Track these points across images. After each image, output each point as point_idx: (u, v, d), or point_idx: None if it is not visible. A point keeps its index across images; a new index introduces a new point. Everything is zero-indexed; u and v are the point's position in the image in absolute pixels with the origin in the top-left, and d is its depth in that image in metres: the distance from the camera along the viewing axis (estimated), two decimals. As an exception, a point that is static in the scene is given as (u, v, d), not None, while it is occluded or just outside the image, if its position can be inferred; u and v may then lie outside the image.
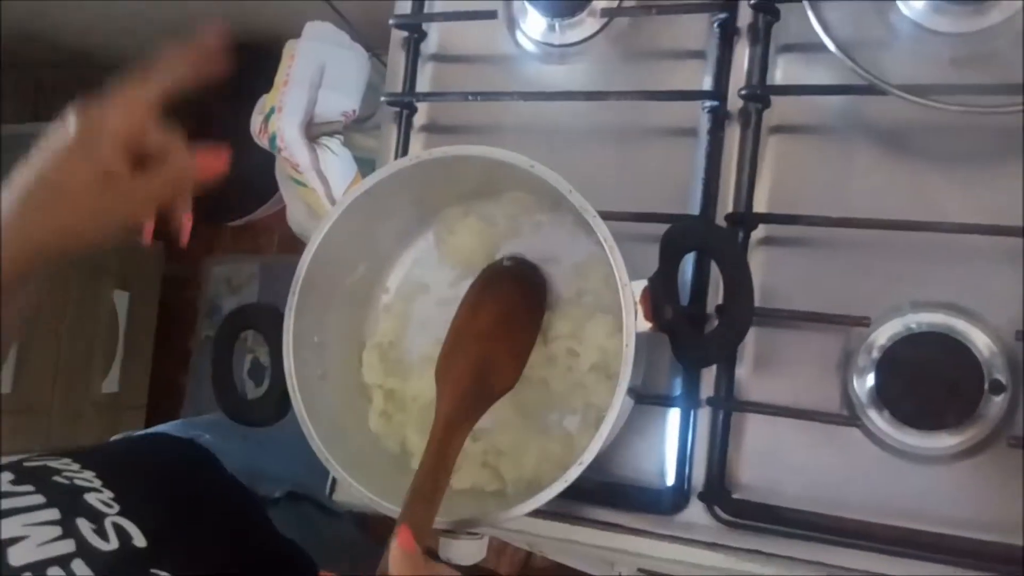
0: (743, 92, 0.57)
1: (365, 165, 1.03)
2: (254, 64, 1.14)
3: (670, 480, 0.55)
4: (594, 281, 0.55)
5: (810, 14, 0.53)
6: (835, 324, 0.53)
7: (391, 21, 0.68)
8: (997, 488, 0.49)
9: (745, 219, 0.56)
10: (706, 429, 0.55)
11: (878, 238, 0.54)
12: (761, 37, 0.58)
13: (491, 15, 0.64)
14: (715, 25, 0.59)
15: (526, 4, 0.64)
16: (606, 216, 0.58)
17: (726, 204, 0.58)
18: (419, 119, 0.69)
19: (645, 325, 0.48)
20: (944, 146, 0.55)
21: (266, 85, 1.09)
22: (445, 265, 0.61)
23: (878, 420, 0.51)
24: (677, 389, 0.56)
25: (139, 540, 0.49)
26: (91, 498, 0.50)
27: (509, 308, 0.54)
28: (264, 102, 1.05)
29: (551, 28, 0.64)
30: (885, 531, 0.49)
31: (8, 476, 0.49)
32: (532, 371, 0.55)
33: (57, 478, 0.51)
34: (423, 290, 0.61)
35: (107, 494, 0.51)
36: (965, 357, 0.50)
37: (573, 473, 0.46)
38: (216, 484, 0.66)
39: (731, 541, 0.53)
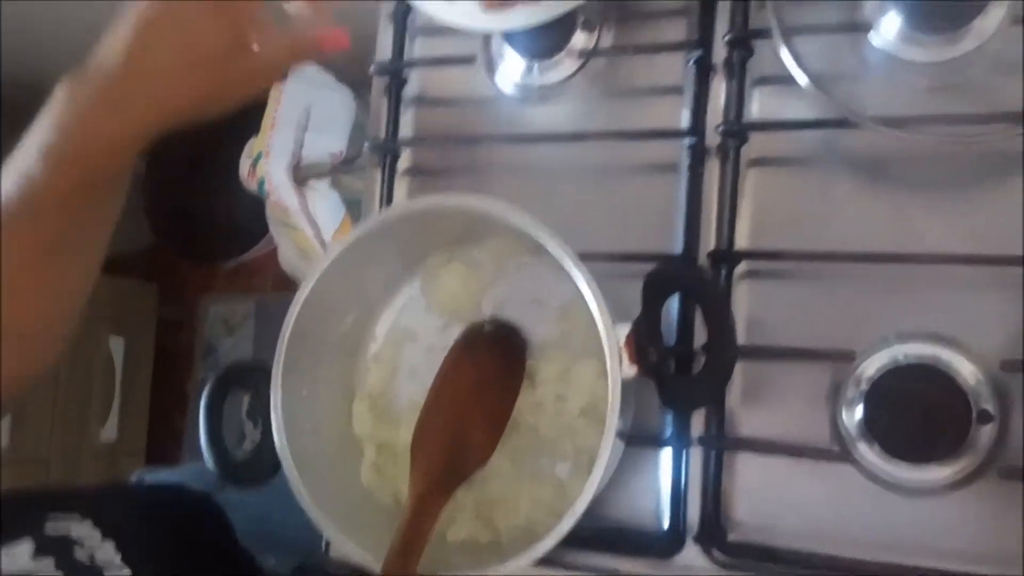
0: (720, 128, 0.57)
1: (354, 206, 1.04)
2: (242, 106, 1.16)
3: (665, 522, 0.54)
4: (579, 323, 0.55)
5: (782, 50, 0.53)
6: (821, 360, 0.53)
7: (371, 69, 0.68)
8: (990, 519, 0.48)
9: (727, 256, 0.56)
10: (699, 468, 0.54)
11: (861, 269, 0.54)
12: (736, 72, 0.58)
13: (470, 60, 0.65)
14: (690, 62, 0.60)
15: (504, 47, 0.64)
16: (589, 257, 0.58)
17: (708, 241, 0.58)
18: (403, 163, 0.69)
19: (631, 370, 0.48)
20: (923, 175, 0.55)
21: (254, 126, 1.10)
22: (432, 312, 0.61)
23: (868, 454, 0.50)
24: (668, 429, 0.56)
25: None
26: None
27: (486, 377, 0.54)
28: (252, 146, 1.06)
29: (530, 70, 0.65)
30: (880, 568, 0.49)
31: (28, 547, 0.48)
32: (521, 416, 0.55)
33: (78, 553, 0.50)
34: (411, 337, 0.61)
35: (126, 572, 0.50)
36: (952, 388, 0.50)
37: (567, 524, 0.45)
38: (225, 556, 0.65)
39: (729, 582, 0.53)
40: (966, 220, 0.53)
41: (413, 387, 0.59)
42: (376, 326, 0.62)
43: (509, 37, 0.63)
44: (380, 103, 0.69)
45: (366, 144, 0.67)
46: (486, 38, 0.65)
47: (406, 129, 0.70)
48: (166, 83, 0.46)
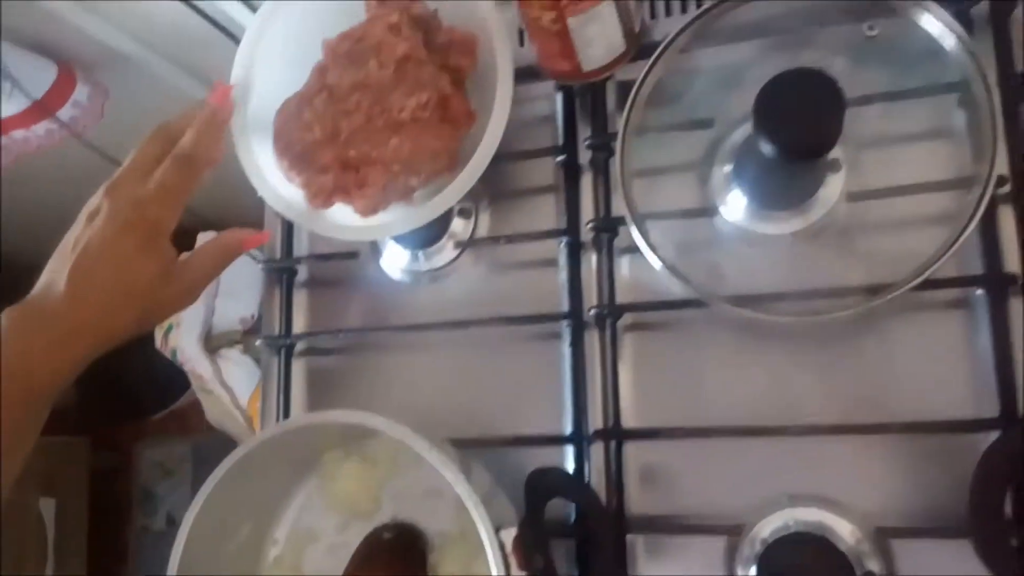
0: (593, 312, 0.59)
1: (268, 369, 1.03)
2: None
3: None
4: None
5: (635, 235, 0.56)
6: (711, 533, 0.54)
7: (260, 266, 0.70)
8: None
9: (614, 434, 0.58)
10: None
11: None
12: (605, 252, 0.61)
13: (355, 255, 0.66)
14: (562, 245, 0.62)
15: (387, 240, 0.66)
16: (482, 443, 0.60)
17: (596, 417, 0.59)
18: (300, 346, 0.70)
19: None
20: (792, 342, 0.57)
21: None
22: (331, 510, 0.61)
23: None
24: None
25: None
26: None
27: None
28: (163, 317, 1.06)
29: (415, 257, 0.67)
30: None
31: None
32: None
33: None
34: (312, 538, 0.61)
35: None
36: (836, 556, 0.51)
37: None
38: None
39: None
40: (836, 387, 0.55)
41: (317, 592, 0.58)
42: (276, 528, 0.62)
43: (389, 231, 0.65)
44: (272, 298, 0.70)
45: (257, 343, 0.67)
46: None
47: (299, 312, 0.71)
48: (101, 316, 0.49)
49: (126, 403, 1.60)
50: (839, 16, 0.56)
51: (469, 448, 0.58)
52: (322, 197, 0.57)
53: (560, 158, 0.63)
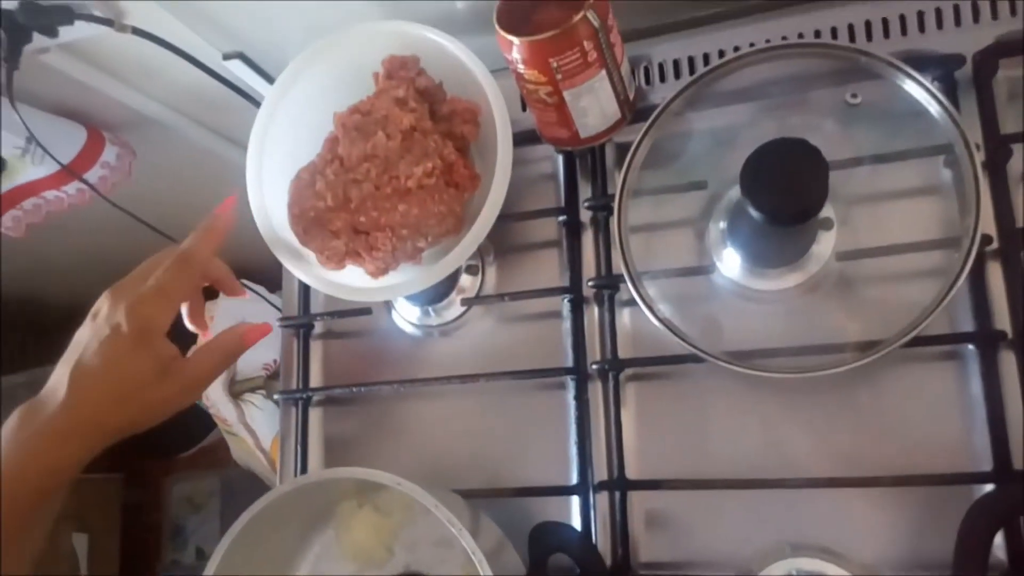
0: (594, 366, 0.62)
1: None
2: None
3: None
4: (483, 571, 0.58)
5: (634, 294, 0.58)
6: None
7: (278, 324, 0.73)
8: None
9: (618, 485, 0.60)
10: None
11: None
12: (606, 307, 0.63)
13: (368, 311, 0.69)
14: (565, 300, 0.64)
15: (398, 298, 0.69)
16: (490, 493, 0.61)
17: (601, 468, 0.61)
18: (316, 397, 0.73)
19: (522, 629, 0.50)
20: (789, 394, 0.59)
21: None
22: (346, 559, 0.63)
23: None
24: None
25: None
26: None
27: None
28: (189, 361, 1.09)
29: (426, 313, 0.69)
30: None
31: None
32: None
33: None
34: (328, 587, 0.63)
35: None
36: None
37: None
38: None
39: None
40: (832, 440, 0.57)
41: (332, 641, 0.61)
42: (294, 577, 0.64)
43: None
44: (290, 353, 0.73)
45: (275, 396, 0.70)
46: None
47: (315, 363, 0.73)
48: (98, 415, 0.50)
49: (156, 441, 1.63)
50: (826, 81, 0.58)
51: (477, 498, 0.61)
52: (335, 261, 0.60)
53: (562, 218, 0.65)
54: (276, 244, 0.62)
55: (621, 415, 0.61)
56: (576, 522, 0.61)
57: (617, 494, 0.60)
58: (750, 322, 0.59)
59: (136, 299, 0.52)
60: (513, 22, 0.55)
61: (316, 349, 0.74)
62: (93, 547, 1.80)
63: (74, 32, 0.69)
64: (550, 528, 0.54)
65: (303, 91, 0.65)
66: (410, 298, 0.68)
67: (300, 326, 0.73)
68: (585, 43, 0.54)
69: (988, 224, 0.55)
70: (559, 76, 0.55)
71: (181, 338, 0.56)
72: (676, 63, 0.65)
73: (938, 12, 0.59)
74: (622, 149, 0.63)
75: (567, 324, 0.65)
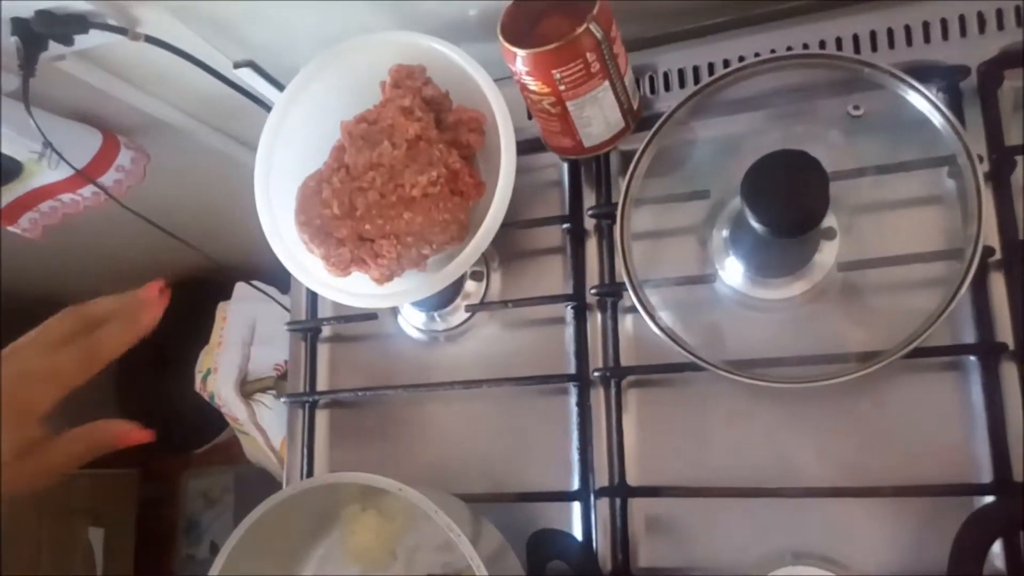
0: (596, 373, 0.62)
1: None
2: (207, 300, 1.21)
3: None
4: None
5: (636, 302, 0.58)
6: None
7: (285, 328, 0.74)
8: None
9: (619, 491, 0.60)
10: None
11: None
12: (609, 314, 0.64)
13: (373, 316, 0.70)
14: (568, 307, 0.65)
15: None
16: (492, 498, 0.62)
17: (602, 474, 0.62)
18: (323, 400, 0.74)
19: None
20: (790, 402, 0.59)
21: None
22: (350, 562, 0.64)
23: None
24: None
25: None
26: None
27: None
28: (202, 361, 1.11)
29: (431, 318, 0.70)
30: None
31: None
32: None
33: None
34: (333, 588, 0.64)
35: None
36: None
37: None
38: None
39: None
40: (833, 449, 0.57)
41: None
42: (300, 578, 0.65)
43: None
44: (297, 356, 0.74)
45: (282, 400, 0.71)
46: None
47: (322, 368, 0.74)
48: None
49: (171, 438, 1.66)
50: (830, 92, 0.58)
51: (480, 503, 0.61)
52: (340, 267, 0.61)
53: (566, 225, 0.65)
54: (282, 250, 0.63)
55: (623, 422, 0.62)
56: (577, 527, 0.61)
57: (618, 500, 0.60)
58: (752, 331, 0.60)
59: (26, 375, 0.48)
60: (517, 33, 0.55)
61: (323, 353, 0.75)
62: (109, 541, 1.83)
63: (89, 40, 0.70)
64: (548, 535, 0.55)
65: (311, 99, 0.66)
66: (416, 304, 0.69)
67: (307, 330, 0.74)
68: (588, 55, 0.54)
69: (991, 235, 0.55)
70: (562, 87, 0.56)
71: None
72: (681, 72, 0.65)
73: (943, 23, 0.59)
74: (627, 157, 0.64)
75: (570, 331, 0.65)
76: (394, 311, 0.72)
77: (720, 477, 0.59)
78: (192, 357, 1.21)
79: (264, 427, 1.05)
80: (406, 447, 0.69)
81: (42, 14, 0.67)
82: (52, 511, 1.68)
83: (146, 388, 1.66)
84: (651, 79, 0.66)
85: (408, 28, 0.64)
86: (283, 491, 0.57)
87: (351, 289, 0.62)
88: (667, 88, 0.66)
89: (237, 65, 0.75)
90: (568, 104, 0.57)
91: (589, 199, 0.66)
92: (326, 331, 0.75)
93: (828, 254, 0.58)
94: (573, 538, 0.58)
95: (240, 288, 1.10)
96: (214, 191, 1.04)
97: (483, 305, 0.68)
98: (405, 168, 0.59)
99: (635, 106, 0.61)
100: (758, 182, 0.50)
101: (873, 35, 0.61)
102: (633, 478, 0.61)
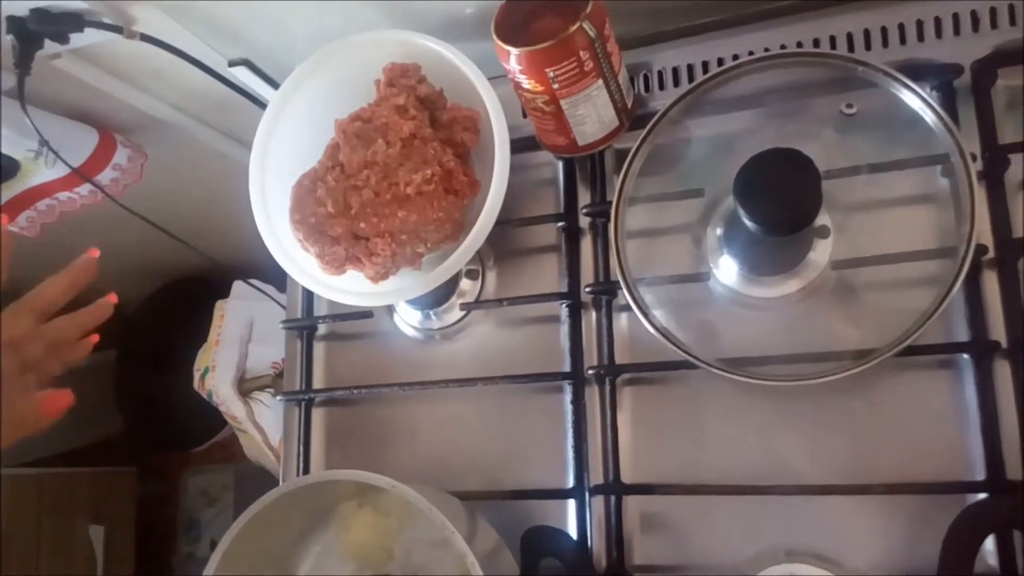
0: (591, 371, 0.62)
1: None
2: (205, 298, 1.22)
3: None
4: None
5: (630, 301, 0.58)
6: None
7: (281, 326, 0.74)
8: None
9: (613, 489, 0.60)
10: None
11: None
12: (604, 312, 0.64)
13: (368, 314, 0.70)
14: (563, 305, 0.65)
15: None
16: (487, 495, 0.62)
17: (597, 472, 0.62)
18: (319, 398, 0.74)
19: (514, 632, 0.51)
20: (784, 400, 0.59)
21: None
22: (346, 558, 0.64)
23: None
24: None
25: None
26: None
27: None
28: (200, 360, 1.11)
29: (427, 316, 0.70)
30: None
31: None
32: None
33: None
34: (328, 585, 0.64)
35: None
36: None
37: None
38: None
39: None
40: (826, 447, 0.57)
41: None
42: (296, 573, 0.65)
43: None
44: (293, 354, 0.74)
45: (278, 398, 0.71)
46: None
47: (318, 366, 0.74)
48: None
49: (171, 436, 1.66)
50: (824, 90, 0.58)
51: (475, 500, 0.62)
52: (335, 266, 0.61)
53: (561, 224, 0.66)
54: (277, 249, 0.63)
55: (617, 420, 0.62)
56: (572, 525, 0.61)
57: (612, 498, 0.60)
58: (746, 329, 0.60)
59: None
60: (511, 32, 0.55)
61: (319, 351, 0.75)
62: (109, 539, 1.83)
63: (84, 38, 0.70)
64: (542, 532, 0.55)
65: (306, 98, 0.66)
66: (411, 302, 0.69)
67: (303, 328, 0.74)
68: (581, 53, 0.54)
69: (984, 234, 0.55)
70: (556, 85, 0.56)
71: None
72: (675, 71, 0.66)
73: (937, 21, 0.59)
74: (621, 156, 0.64)
75: (565, 329, 0.65)
76: (390, 309, 0.72)
77: (714, 475, 0.59)
78: (191, 355, 1.21)
79: (262, 425, 1.05)
80: (402, 445, 0.70)
81: (38, 12, 0.67)
82: (52, 509, 1.69)
83: (145, 386, 1.66)
84: (645, 77, 0.66)
85: (404, 27, 0.64)
86: (279, 488, 0.57)
87: (346, 287, 0.63)
88: (661, 87, 0.66)
89: (232, 63, 0.75)
90: (562, 102, 0.57)
91: (584, 197, 0.66)
92: (322, 329, 0.75)
93: (822, 252, 0.58)
94: (567, 535, 0.59)
95: (238, 287, 1.10)
96: (211, 189, 1.04)
97: (478, 303, 0.68)
98: (399, 166, 0.59)
99: (629, 104, 0.61)
100: (750, 180, 0.50)
101: (867, 33, 0.61)
102: (628, 476, 0.61)
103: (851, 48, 0.61)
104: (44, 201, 0.89)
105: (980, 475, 0.53)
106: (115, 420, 1.81)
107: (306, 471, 0.71)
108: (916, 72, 0.56)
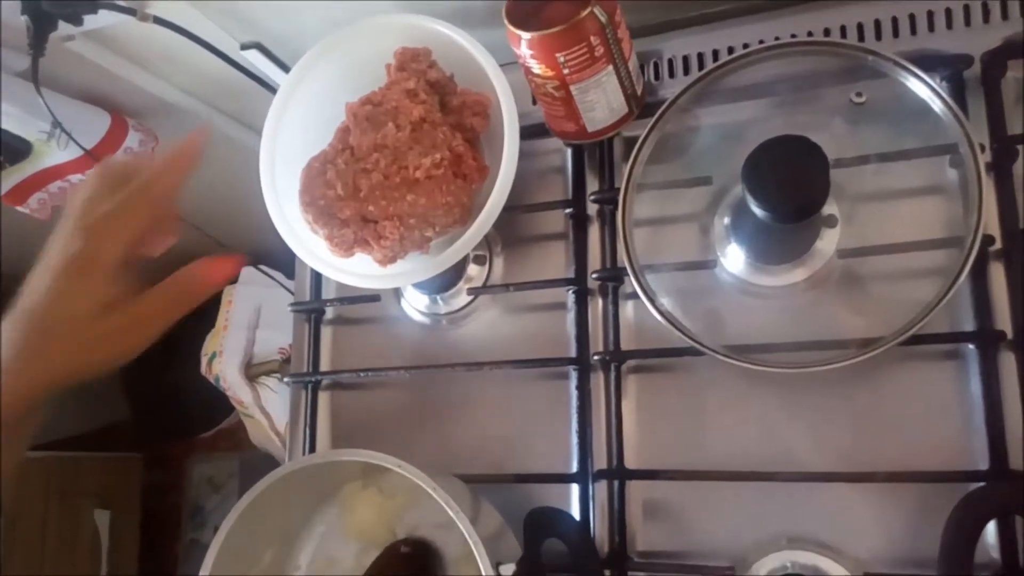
0: (595, 357, 0.62)
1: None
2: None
3: None
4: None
5: (637, 288, 0.59)
6: (711, 573, 0.56)
7: (290, 308, 0.74)
8: None
9: (616, 474, 0.61)
10: None
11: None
12: (610, 299, 0.64)
13: (376, 298, 0.71)
14: (569, 292, 0.65)
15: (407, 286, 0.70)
16: (492, 479, 0.63)
17: (600, 457, 0.62)
18: (325, 381, 0.74)
19: (516, 611, 0.51)
20: (788, 387, 0.59)
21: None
22: (350, 539, 0.64)
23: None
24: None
25: None
26: None
27: None
28: (207, 345, 1.12)
29: (434, 301, 0.70)
30: None
31: None
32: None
33: None
34: (332, 565, 0.65)
35: None
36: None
37: None
38: None
39: None
40: (830, 434, 0.57)
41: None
42: (299, 555, 0.66)
43: (409, 277, 0.69)
44: (301, 337, 0.74)
45: (285, 380, 0.72)
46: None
47: (325, 350, 0.75)
48: (38, 352, 0.45)
49: (177, 422, 1.68)
50: (834, 79, 0.58)
51: (479, 483, 0.62)
52: (344, 248, 0.61)
53: (569, 210, 0.66)
54: (287, 231, 0.64)
55: (622, 406, 0.62)
56: (575, 510, 0.62)
57: (616, 483, 0.61)
58: (752, 317, 0.60)
59: (85, 225, 0.46)
60: (522, 17, 0.56)
61: (326, 334, 0.76)
62: (115, 524, 1.84)
63: (98, 20, 0.70)
64: (545, 513, 0.55)
65: (317, 81, 0.66)
66: (418, 286, 0.69)
67: (311, 311, 0.74)
68: (592, 38, 0.54)
69: (992, 224, 0.55)
70: (566, 71, 0.56)
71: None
72: (686, 59, 0.66)
73: (948, 12, 0.59)
74: (630, 143, 0.64)
75: (571, 315, 0.66)
76: (397, 294, 0.73)
77: (717, 461, 0.59)
78: (198, 340, 1.22)
79: (269, 411, 1.06)
80: (407, 428, 0.70)
81: (52, -7, 0.68)
82: (58, 493, 1.70)
83: (152, 371, 1.67)
84: (655, 65, 0.66)
85: (416, 12, 0.64)
86: (284, 466, 0.58)
87: (354, 270, 0.63)
88: (671, 75, 0.66)
89: (244, 47, 0.76)
90: (572, 88, 0.57)
91: (592, 184, 0.66)
92: (329, 313, 0.76)
93: (829, 241, 0.58)
94: (570, 516, 0.59)
95: (247, 272, 1.11)
96: (221, 174, 1.05)
97: (485, 288, 0.68)
98: (409, 150, 0.60)
99: (639, 91, 0.62)
100: (759, 168, 0.51)
101: (877, 24, 0.61)
102: (631, 461, 0.62)
103: (861, 38, 0.61)
104: (56, 183, 0.90)
105: (983, 465, 0.53)
106: (122, 406, 1.83)
107: (312, 452, 0.72)
108: (926, 63, 0.56)
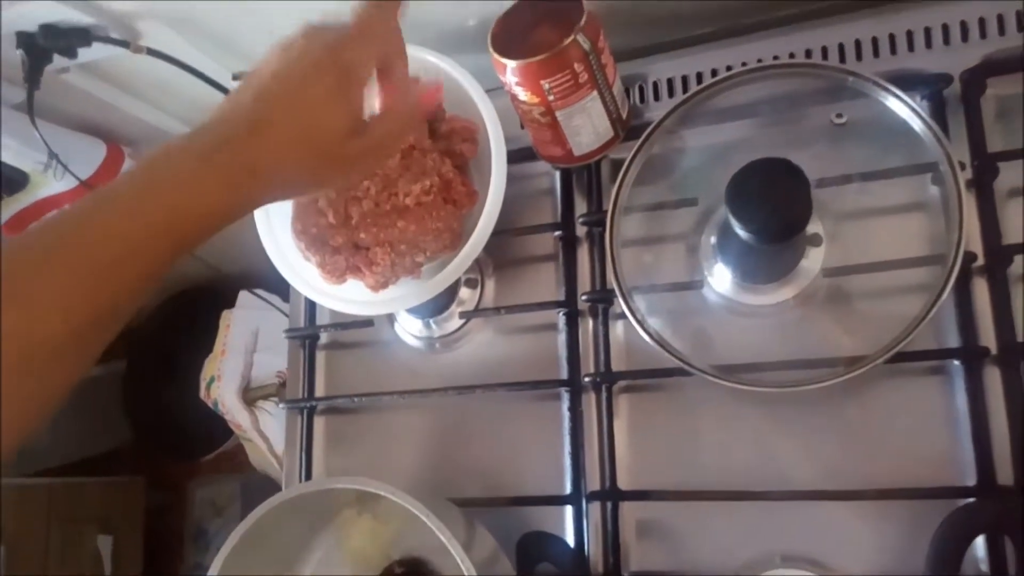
0: (587, 378, 0.63)
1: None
2: (211, 308, 1.23)
3: None
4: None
5: (625, 310, 0.59)
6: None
7: (285, 335, 0.75)
8: None
9: (610, 495, 0.61)
10: None
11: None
12: (600, 320, 0.65)
13: (369, 323, 0.71)
14: (560, 314, 0.66)
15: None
16: (485, 502, 0.63)
17: (594, 478, 0.62)
18: (320, 406, 0.75)
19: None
20: (777, 406, 0.60)
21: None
22: (347, 564, 0.65)
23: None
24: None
25: None
26: None
27: None
28: (206, 369, 1.12)
29: (427, 325, 0.71)
30: None
31: None
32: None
33: None
34: (329, 590, 0.65)
35: None
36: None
37: None
38: None
39: None
40: (819, 452, 0.58)
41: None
42: (297, 582, 0.66)
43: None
44: (296, 363, 0.75)
45: (281, 405, 0.72)
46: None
47: (320, 374, 0.75)
48: (281, 159, 0.43)
49: (179, 445, 1.68)
50: (816, 100, 0.59)
51: (473, 507, 0.62)
52: (336, 275, 0.62)
53: (558, 233, 0.66)
54: (280, 259, 0.64)
55: (614, 426, 0.63)
56: (569, 531, 0.62)
57: (609, 504, 0.61)
58: (740, 336, 0.61)
59: (339, 41, 0.44)
60: (508, 44, 0.57)
61: (321, 360, 0.76)
62: (117, 548, 1.84)
63: (92, 53, 0.72)
64: (537, 538, 0.55)
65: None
66: (411, 311, 0.70)
67: (306, 337, 0.75)
68: (576, 65, 0.55)
69: (974, 241, 0.55)
70: (551, 97, 0.57)
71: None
72: (670, 82, 0.67)
73: (927, 31, 0.60)
74: (617, 165, 0.64)
75: (562, 337, 0.66)
76: (390, 318, 0.73)
77: (709, 480, 0.60)
78: (197, 365, 1.23)
79: (267, 434, 1.07)
80: (402, 452, 0.70)
81: (47, 28, 0.69)
82: (61, 518, 1.70)
83: (154, 396, 1.68)
84: (640, 88, 0.67)
85: (406, 40, 0.65)
86: (280, 494, 0.58)
87: (347, 296, 0.64)
88: (656, 97, 0.67)
89: (236, 76, 0.77)
90: (557, 114, 0.58)
91: (580, 207, 0.67)
92: (324, 338, 0.76)
93: (814, 260, 0.59)
94: (563, 541, 0.59)
95: (243, 296, 1.12)
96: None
97: (477, 312, 0.69)
98: (399, 177, 0.60)
99: (624, 115, 0.62)
100: (741, 189, 0.51)
101: (858, 44, 0.62)
102: (624, 482, 0.62)
103: (843, 58, 0.62)
104: (53, 214, 0.91)
105: (971, 480, 0.53)
106: (124, 430, 1.83)
107: (308, 477, 0.72)
108: (906, 82, 0.56)
